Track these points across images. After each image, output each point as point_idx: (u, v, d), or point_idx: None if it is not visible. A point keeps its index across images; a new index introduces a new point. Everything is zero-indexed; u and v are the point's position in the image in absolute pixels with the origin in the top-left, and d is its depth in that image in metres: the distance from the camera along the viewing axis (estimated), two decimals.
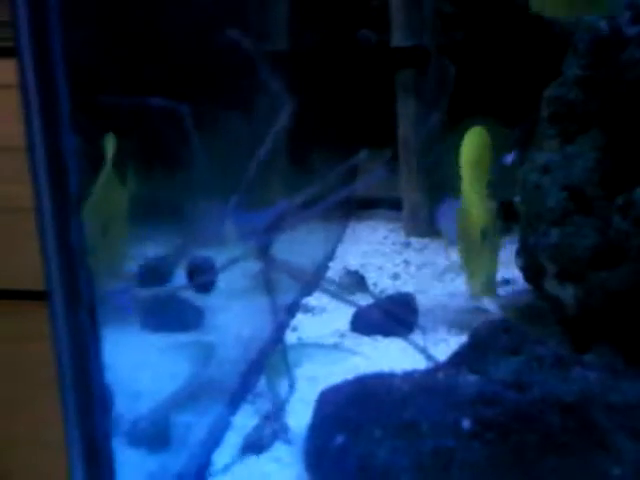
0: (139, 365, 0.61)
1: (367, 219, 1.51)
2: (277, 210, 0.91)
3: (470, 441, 0.49)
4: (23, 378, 0.50)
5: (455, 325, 0.90)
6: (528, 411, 0.50)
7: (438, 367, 0.62)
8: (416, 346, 0.67)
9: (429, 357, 0.66)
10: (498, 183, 1.10)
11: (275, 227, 0.87)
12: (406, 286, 1.15)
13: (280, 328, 0.82)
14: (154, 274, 0.61)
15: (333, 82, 1.33)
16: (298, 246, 1.19)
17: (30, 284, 0.49)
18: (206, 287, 0.61)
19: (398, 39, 1.31)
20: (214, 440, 0.63)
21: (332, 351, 0.74)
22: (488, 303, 1.03)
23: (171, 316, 0.69)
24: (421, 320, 0.90)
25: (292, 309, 1.00)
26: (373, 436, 0.52)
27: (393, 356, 0.76)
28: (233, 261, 0.68)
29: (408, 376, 0.61)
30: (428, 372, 0.60)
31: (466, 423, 0.48)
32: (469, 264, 0.96)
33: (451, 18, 1.44)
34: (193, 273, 0.58)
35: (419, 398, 0.55)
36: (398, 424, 0.52)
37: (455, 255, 1.28)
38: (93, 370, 0.42)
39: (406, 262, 1.25)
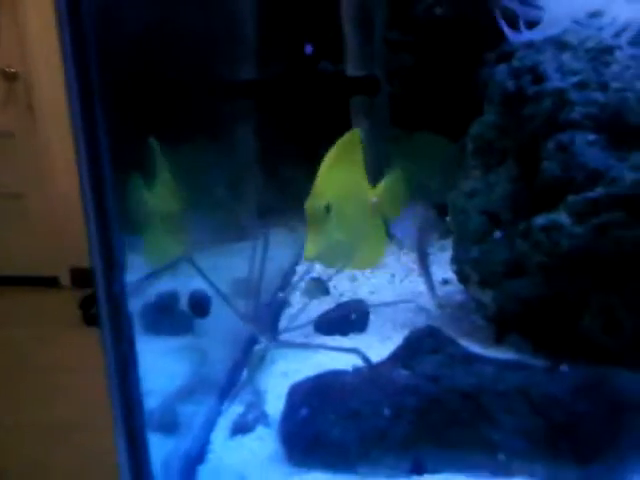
0: (147, 366, 0.79)
1: None
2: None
3: (397, 422, 0.68)
4: None
5: (400, 324, 1.10)
6: (438, 398, 0.69)
7: (379, 364, 0.82)
8: (352, 350, 0.85)
9: (364, 358, 0.84)
10: (440, 188, 1.29)
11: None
12: (362, 288, 1.35)
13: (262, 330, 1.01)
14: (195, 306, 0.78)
15: (297, 106, 1.51)
16: (271, 250, 1.37)
17: None
18: (203, 313, 0.79)
19: (352, 69, 1.50)
20: (210, 425, 0.81)
21: (300, 350, 0.93)
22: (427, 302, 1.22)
23: (170, 322, 0.87)
24: (371, 320, 1.09)
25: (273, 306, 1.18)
26: (329, 419, 0.71)
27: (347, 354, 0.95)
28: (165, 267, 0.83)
29: (357, 372, 0.80)
30: (371, 368, 0.79)
31: (387, 411, 0.67)
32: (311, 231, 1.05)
33: (399, 45, 1.63)
34: (194, 306, 0.76)
35: (364, 389, 0.75)
36: (347, 410, 0.71)
37: (407, 259, 1.48)
38: (132, 381, 0.60)
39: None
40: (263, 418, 0.78)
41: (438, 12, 1.31)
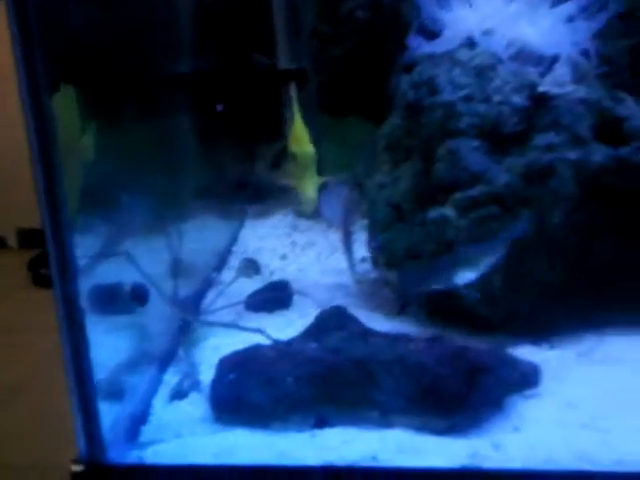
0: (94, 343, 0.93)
1: (267, 203, 1.84)
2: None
3: (304, 386, 0.85)
4: None
5: (321, 300, 1.26)
6: (337, 366, 0.86)
7: (294, 339, 0.98)
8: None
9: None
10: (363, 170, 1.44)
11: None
12: (291, 266, 1.50)
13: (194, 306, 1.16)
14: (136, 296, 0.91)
15: (233, 95, 1.63)
16: (207, 232, 1.51)
17: None
18: (142, 302, 0.93)
19: (284, 61, 1.62)
20: (152, 392, 0.96)
21: (230, 327, 1.08)
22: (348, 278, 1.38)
23: (115, 303, 1.00)
24: (295, 297, 1.25)
25: (205, 285, 1.33)
26: (249, 385, 0.87)
27: (272, 328, 1.10)
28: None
29: (275, 345, 0.96)
30: (288, 342, 0.95)
31: (290, 379, 0.83)
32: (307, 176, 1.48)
33: (328, 38, 1.75)
34: (135, 296, 0.90)
35: (279, 360, 0.91)
36: (264, 377, 0.87)
37: (334, 236, 1.63)
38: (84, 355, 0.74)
39: (293, 243, 1.59)
40: (196, 386, 0.94)
41: (359, 15, 1.45)
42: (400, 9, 1.36)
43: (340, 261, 1.45)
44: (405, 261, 1.15)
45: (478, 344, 0.99)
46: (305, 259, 1.50)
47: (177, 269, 1.07)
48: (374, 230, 1.21)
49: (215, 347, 1.05)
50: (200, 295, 1.23)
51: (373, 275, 1.37)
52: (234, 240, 1.59)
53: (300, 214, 1.70)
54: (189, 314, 1.05)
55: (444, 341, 0.90)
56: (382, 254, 1.20)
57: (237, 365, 0.92)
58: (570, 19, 1.15)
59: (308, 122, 1.71)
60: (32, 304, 1.54)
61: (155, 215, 1.14)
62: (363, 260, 1.45)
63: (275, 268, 1.43)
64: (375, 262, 1.23)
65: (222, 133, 1.61)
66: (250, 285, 1.31)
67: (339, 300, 1.27)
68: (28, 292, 1.94)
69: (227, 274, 1.39)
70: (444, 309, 1.14)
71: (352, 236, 1.37)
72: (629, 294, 1.10)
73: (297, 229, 1.65)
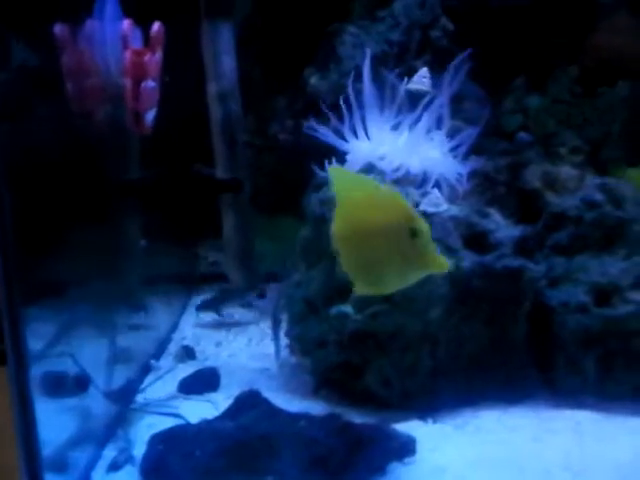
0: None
1: (209, 292, 2.03)
2: None
3: (217, 459, 1.02)
4: None
5: (245, 383, 1.44)
6: (245, 441, 1.04)
7: (216, 418, 1.16)
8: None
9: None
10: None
11: None
12: (224, 351, 1.68)
13: (132, 391, 1.33)
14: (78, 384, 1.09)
15: (177, 200, 1.86)
16: (149, 321, 1.70)
17: None
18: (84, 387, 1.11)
19: (221, 172, 1.86)
20: (91, 465, 1.12)
21: (163, 407, 1.26)
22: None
23: (61, 388, 1.17)
24: (224, 381, 1.43)
25: (144, 371, 1.50)
26: (173, 458, 1.04)
27: (201, 409, 1.28)
28: None
29: (200, 424, 1.14)
30: (209, 422, 1.14)
31: (198, 452, 1.02)
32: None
33: (262, 148, 2.01)
34: (78, 384, 1.08)
35: (200, 437, 1.09)
36: (186, 452, 1.05)
37: (265, 324, 1.82)
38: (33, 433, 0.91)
39: (228, 331, 1.78)
40: (130, 459, 1.11)
41: (282, 138, 1.70)
42: (319, 135, 1.62)
43: (268, 346, 1.65)
44: (316, 349, 1.36)
45: (368, 420, 1.20)
46: (237, 345, 1.69)
47: (116, 358, 1.25)
48: (291, 322, 1.42)
49: (149, 425, 1.23)
50: (139, 380, 1.40)
51: (293, 360, 1.57)
52: (175, 327, 1.77)
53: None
54: (118, 400, 1.23)
55: (336, 418, 1.09)
56: (297, 343, 1.41)
57: (165, 441, 1.10)
58: (448, 147, 1.42)
59: (244, 222, 1.94)
60: None
61: (102, 307, 1.33)
62: (287, 346, 1.65)
63: (210, 354, 1.62)
64: (292, 349, 1.43)
65: (168, 232, 1.83)
66: (185, 370, 1.49)
67: (262, 382, 1.47)
68: None
69: (165, 360, 1.57)
70: (351, 391, 1.34)
71: (281, 324, 1.57)
72: (500, 374, 1.32)
73: (234, 317, 1.84)
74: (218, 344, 1.68)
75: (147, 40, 1.33)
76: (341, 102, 1.43)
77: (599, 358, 1.29)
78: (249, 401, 1.16)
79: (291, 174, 1.78)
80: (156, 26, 1.29)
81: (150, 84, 1.27)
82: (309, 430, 1.04)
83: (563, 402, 1.30)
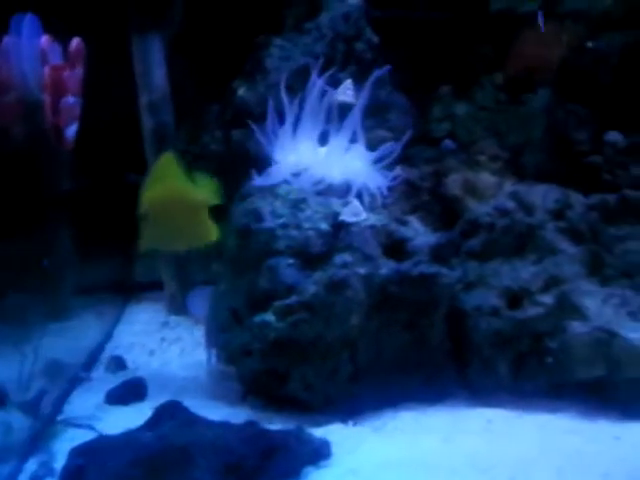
0: None
1: (144, 300, 2.05)
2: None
3: (134, 469, 1.05)
4: None
5: (173, 392, 1.46)
6: (164, 451, 1.07)
7: (137, 428, 1.18)
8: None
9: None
10: None
11: None
12: (157, 360, 1.70)
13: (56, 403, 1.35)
14: None
15: (110, 207, 1.86)
16: (81, 331, 1.70)
17: None
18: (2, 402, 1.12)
19: None
20: (13, 478, 1.14)
21: (85, 421, 1.28)
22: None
23: None
24: (153, 391, 1.45)
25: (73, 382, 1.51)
26: (91, 471, 1.06)
27: (127, 420, 1.30)
28: None
29: (120, 435, 1.16)
30: (128, 433, 1.16)
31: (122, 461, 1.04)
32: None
33: (198, 156, 2.03)
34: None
35: (119, 448, 1.11)
36: (103, 463, 1.07)
37: (199, 332, 1.84)
38: None
39: (162, 339, 1.80)
40: (50, 472, 1.12)
41: (213, 148, 1.73)
42: (246, 146, 1.65)
43: (201, 354, 1.67)
44: (241, 358, 1.39)
45: (292, 425, 1.23)
46: (170, 354, 1.70)
47: (39, 371, 1.26)
48: (217, 331, 1.45)
49: (72, 438, 1.24)
50: (66, 392, 1.41)
51: (222, 368, 1.60)
52: (109, 337, 1.78)
53: (171, 311, 1.92)
54: (37, 413, 1.24)
55: (252, 426, 1.13)
56: (223, 351, 1.43)
57: (84, 453, 1.11)
58: (371, 157, 1.47)
59: None
60: None
61: (23, 320, 1.34)
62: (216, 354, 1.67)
63: (141, 363, 1.63)
64: (218, 358, 1.46)
65: (101, 241, 1.83)
66: (114, 381, 1.51)
67: (191, 391, 1.49)
68: None
69: (97, 371, 1.58)
70: (274, 397, 1.37)
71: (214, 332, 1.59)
72: (419, 376, 1.37)
73: (168, 326, 1.86)
74: (151, 353, 1.70)
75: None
76: (267, 114, 1.47)
77: (512, 358, 1.35)
78: (169, 411, 1.18)
79: (223, 183, 1.80)
80: (75, 42, 1.30)
81: (70, 100, 1.28)
82: (224, 438, 1.07)
83: (479, 401, 1.36)
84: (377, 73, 1.45)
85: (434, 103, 1.97)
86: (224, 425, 1.14)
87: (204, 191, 1.36)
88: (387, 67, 1.49)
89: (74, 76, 1.31)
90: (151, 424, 1.17)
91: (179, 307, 1.90)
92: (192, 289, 1.94)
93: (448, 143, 1.84)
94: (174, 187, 1.33)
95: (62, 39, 1.33)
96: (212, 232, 1.38)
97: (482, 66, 1.98)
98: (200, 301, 1.89)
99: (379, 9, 1.78)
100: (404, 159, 1.57)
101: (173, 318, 1.90)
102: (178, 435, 1.11)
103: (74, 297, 1.78)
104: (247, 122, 1.54)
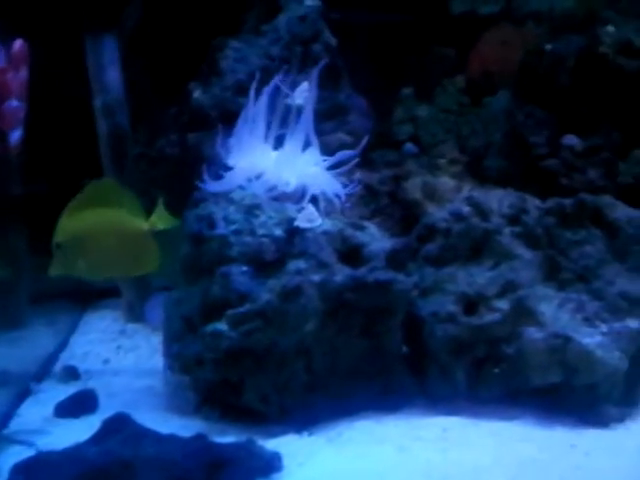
0: None
1: (102, 308, 2.00)
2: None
3: None
4: None
5: (126, 403, 1.43)
6: (107, 466, 1.03)
7: (84, 442, 1.14)
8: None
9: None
10: None
11: None
12: (112, 370, 1.66)
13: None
14: None
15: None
16: (33, 340, 1.66)
17: None
18: None
19: None
20: None
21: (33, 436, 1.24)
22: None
23: None
24: (105, 402, 1.41)
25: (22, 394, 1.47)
26: None
27: (77, 432, 1.26)
28: None
29: (64, 450, 1.13)
30: (73, 448, 1.12)
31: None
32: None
33: (155, 159, 1.99)
34: None
35: (62, 464, 1.07)
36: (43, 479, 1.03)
37: (156, 340, 1.81)
38: None
39: (119, 347, 1.76)
40: None
41: (168, 152, 1.70)
42: (202, 150, 1.62)
43: (158, 363, 1.63)
44: (195, 367, 1.36)
45: (245, 436, 1.21)
46: (126, 362, 1.67)
47: None
48: (170, 339, 1.42)
49: (18, 454, 1.20)
50: (15, 405, 1.37)
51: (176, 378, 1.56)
52: (64, 346, 1.73)
53: (129, 319, 1.88)
54: None
55: (200, 439, 1.10)
56: (177, 361, 1.40)
57: (27, 469, 1.08)
58: (328, 162, 1.44)
59: None
60: None
61: None
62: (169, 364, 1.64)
63: (95, 373, 1.59)
64: (172, 367, 1.42)
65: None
66: (67, 392, 1.46)
67: (145, 401, 1.46)
68: None
69: (49, 382, 1.54)
70: (229, 408, 1.35)
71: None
72: (376, 384, 1.35)
73: (125, 334, 1.82)
74: (106, 362, 1.66)
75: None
76: (222, 117, 1.44)
77: (468, 365, 1.34)
78: (117, 424, 1.15)
79: (179, 188, 1.77)
80: (18, 44, 1.26)
81: (13, 103, 1.25)
82: (170, 452, 1.04)
83: (436, 409, 1.35)
84: (318, 68, 1.40)
85: (396, 105, 1.96)
86: (172, 438, 1.10)
87: (144, 217, 1.34)
88: (324, 61, 1.44)
89: (18, 79, 1.28)
90: (97, 438, 1.13)
91: (137, 314, 1.86)
92: (150, 296, 1.91)
93: (409, 146, 1.83)
94: (102, 215, 1.31)
95: (4, 41, 1.30)
96: (150, 261, 1.37)
97: (444, 68, 1.97)
98: (158, 308, 1.86)
99: (338, 11, 1.76)
100: (365, 163, 1.55)
101: (130, 326, 1.86)
102: (123, 449, 1.08)
103: (28, 305, 1.73)
104: (202, 125, 1.52)
